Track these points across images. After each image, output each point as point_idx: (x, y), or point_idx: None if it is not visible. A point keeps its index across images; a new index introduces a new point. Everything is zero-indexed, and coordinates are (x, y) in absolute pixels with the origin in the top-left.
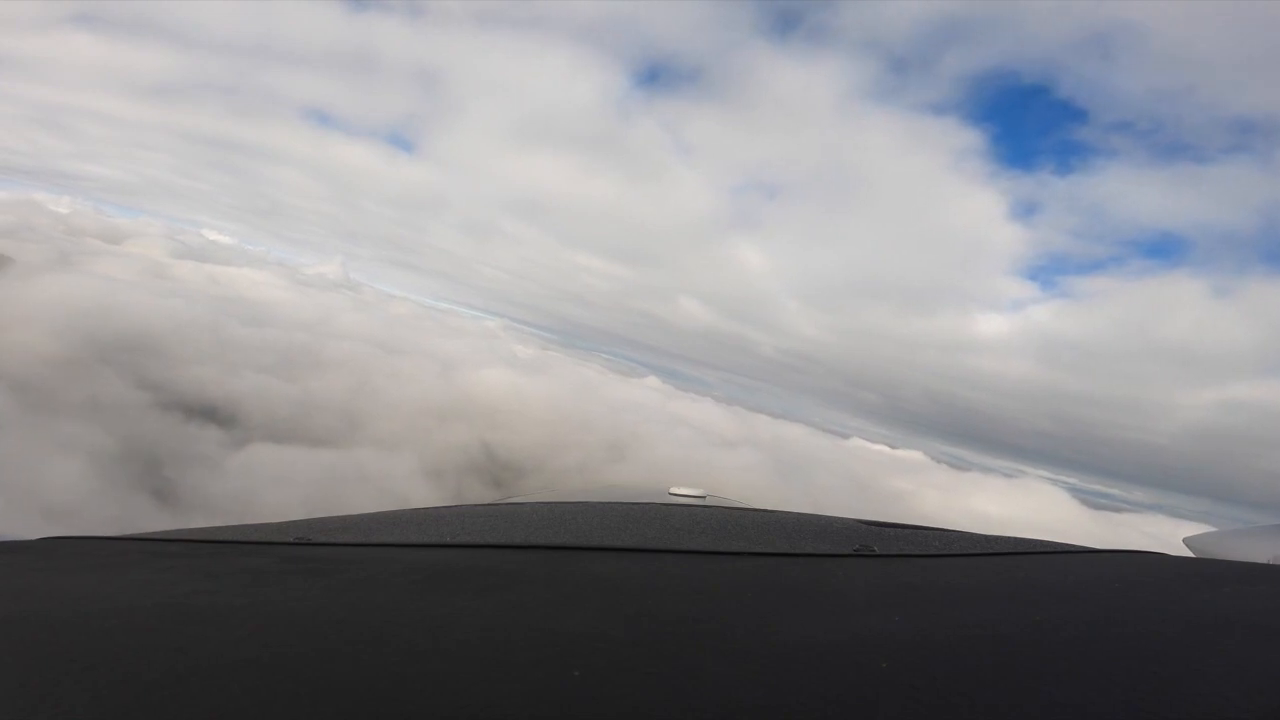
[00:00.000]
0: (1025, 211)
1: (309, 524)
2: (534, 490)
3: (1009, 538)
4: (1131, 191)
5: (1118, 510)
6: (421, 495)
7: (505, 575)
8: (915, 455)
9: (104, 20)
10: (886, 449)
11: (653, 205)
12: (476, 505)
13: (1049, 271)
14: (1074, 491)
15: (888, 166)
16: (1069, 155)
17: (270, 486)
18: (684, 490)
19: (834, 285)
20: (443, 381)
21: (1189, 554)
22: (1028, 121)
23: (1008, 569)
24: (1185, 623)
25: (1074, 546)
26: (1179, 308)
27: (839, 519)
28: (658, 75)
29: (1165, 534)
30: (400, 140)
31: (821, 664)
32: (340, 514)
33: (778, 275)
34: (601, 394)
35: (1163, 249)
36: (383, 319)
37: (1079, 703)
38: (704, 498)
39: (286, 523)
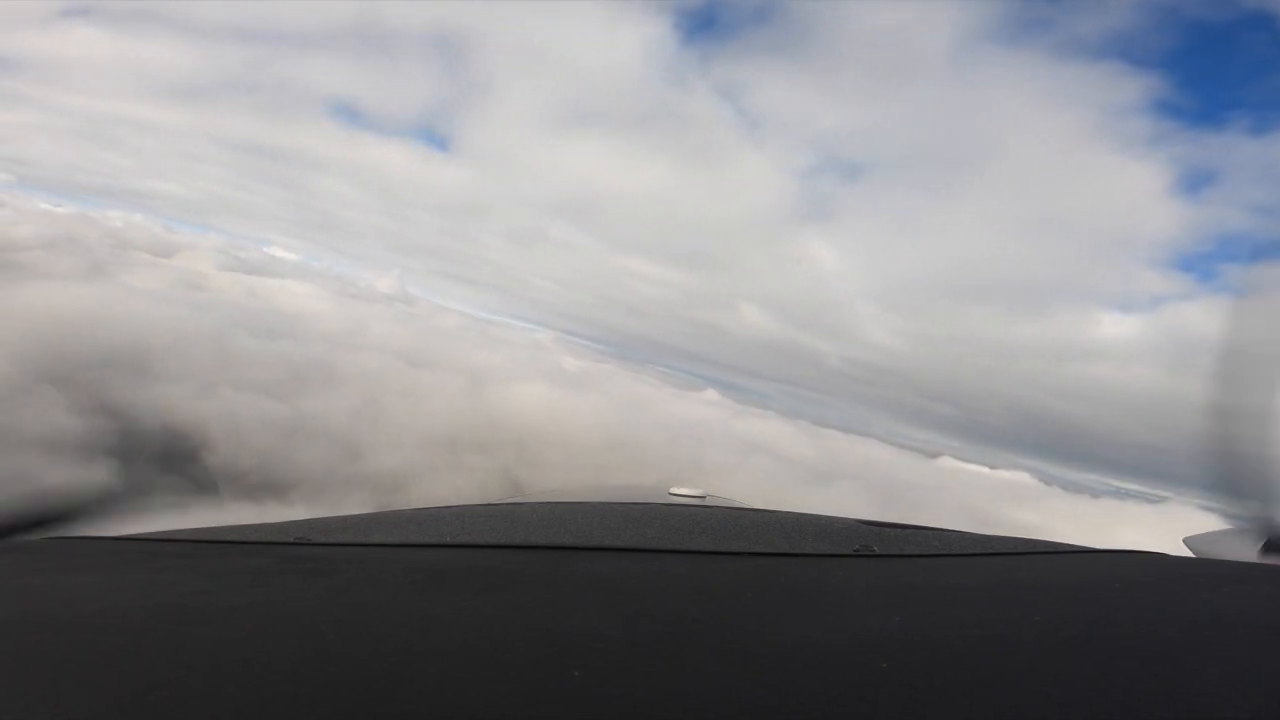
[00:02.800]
0: (1196, 184)
1: (309, 524)
2: (534, 490)
3: (1009, 538)
4: None
5: None
6: None
7: (505, 575)
8: (1020, 477)
9: (104, 13)
10: (985, 470)
11: (710, 196)
12: (476, 505)
13: (1213, 259)
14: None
15: (1011, 132)
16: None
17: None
18: (684, 490)
19: (921, 285)
20: (470, 400)
21: (1189, 554)
22: (1234, 61)
23: (1008, 569)
24: (1185, 623)
25: (1074, 546)
26: None
27: (839, 519)
28: (714, 21)
29: None
30: (434, 138)
31: (821, 664)
32: (340, 515)
33: (853, 275)
34: (658, 412)
35: None
36: (419, 330)
37: (1079, 703)
38: (704, 498)
39: (286, 523)
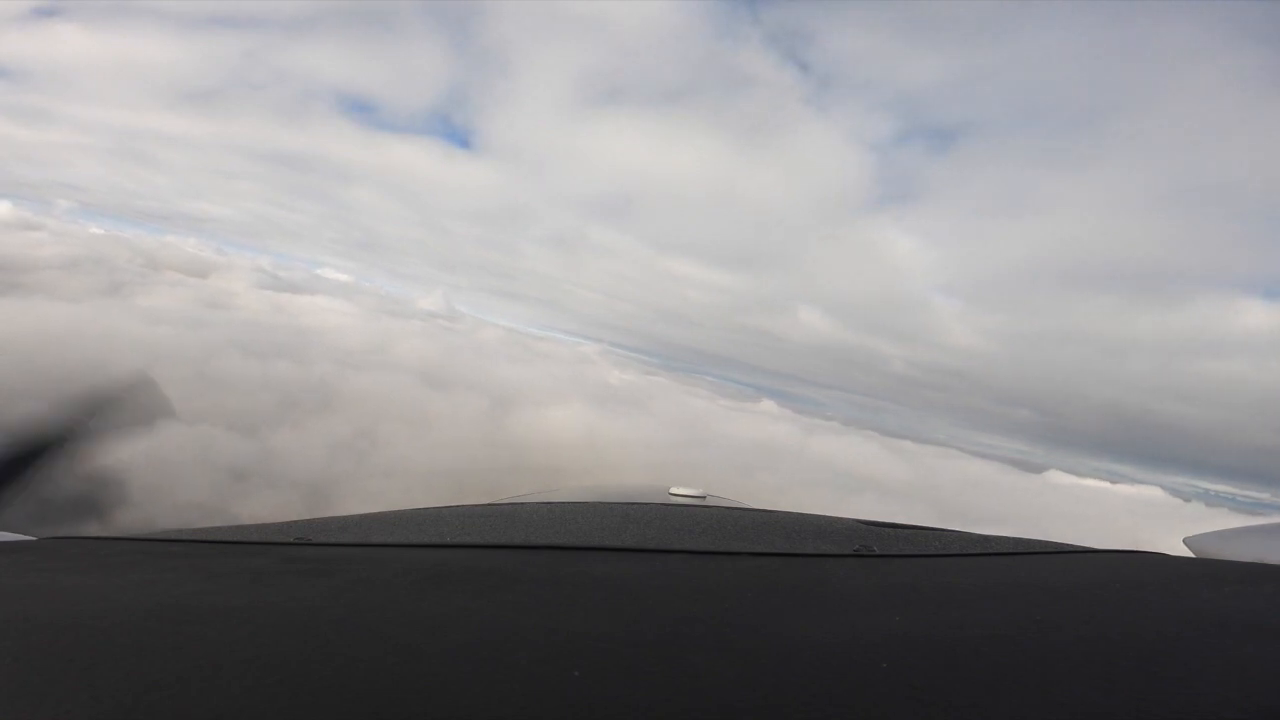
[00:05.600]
0: None
1: (309, 524)
2: (534, 490)
3: (1009, 538)
4: None
5: None
6: None
7: (505, 575)
8: (1151, 492)
9: (102, 13)
10: (1105, 485)
11: (765, 181)
12: (476, 505)
13: None
14: None
15: (1162, 79)
16: None
17: None
18: (684, 490)
19: (1020, 275)
20: (491, 427)
21: (1189, 554)
22: None
23: (1008, 569)
24: (1185, 623)
25: (1074, 546)
26: None
27: (839, 519)
28: None
29: None
30: (454, 133)
31: (821, 664)
32: (340, 514)
33: (933, 267)
34: (719, 431)
35: None
36: (452, 346)
37: (1079, 703)
38: (704, 498)
39: (286, 523)
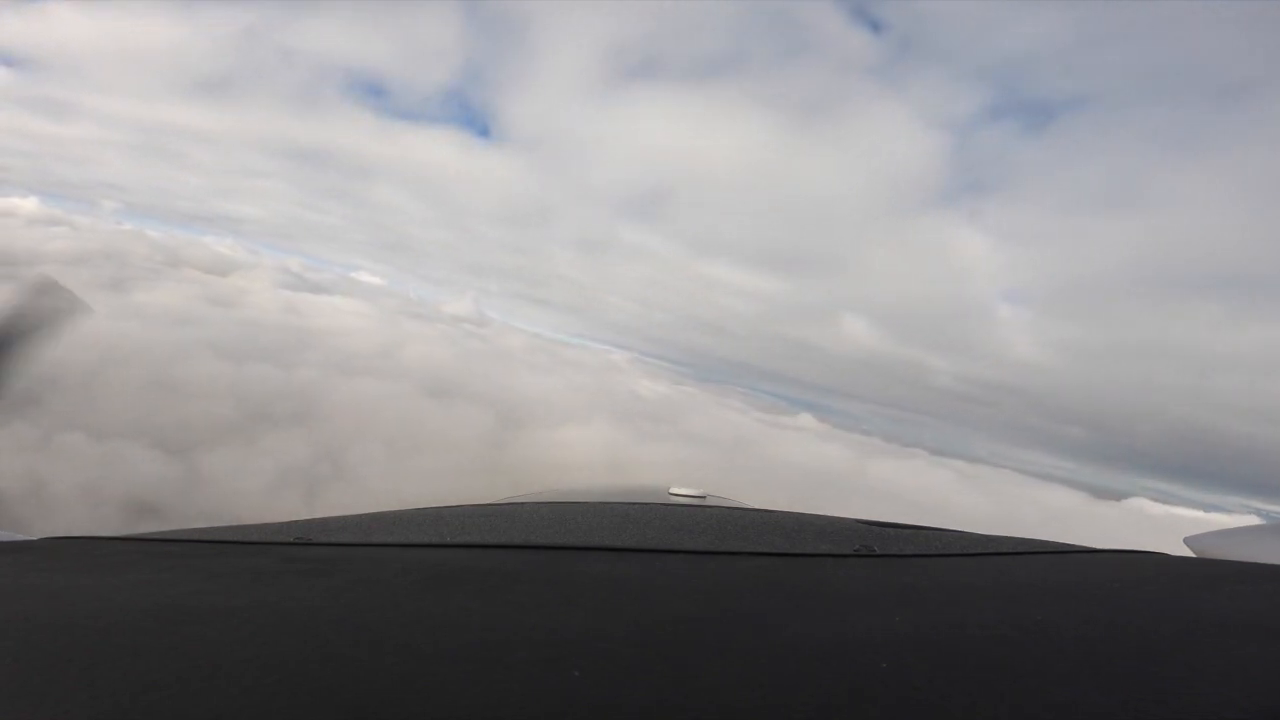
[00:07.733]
0: None
1: (309, 524)
2: (534, 490)
3: (1009, 538)
4: None
5: None
6: None
7: (505, 575)
8: (1250, 522)
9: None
10: (1198, 514)
11: (819, 168)
12: (476, 505)
13: None
14: None
15: None
16: None
17: None
18: (684, 490)
19: (1113, 278)
20: (490, 450)
21: (1189, 554)
22: None
23: (1008, 569)
24: (1185, 623)
25: (1074, 546)
26: None
27: (839, 519)
28: None
29: None
30: (473, 120)
31: (821, 664)
32: (340, 514)
33: (1004, 270)
34: (760, 454)
35: None
36: (471, 352)
37: (1079, 703)
38: (704, 498)
39: (286, 523)
